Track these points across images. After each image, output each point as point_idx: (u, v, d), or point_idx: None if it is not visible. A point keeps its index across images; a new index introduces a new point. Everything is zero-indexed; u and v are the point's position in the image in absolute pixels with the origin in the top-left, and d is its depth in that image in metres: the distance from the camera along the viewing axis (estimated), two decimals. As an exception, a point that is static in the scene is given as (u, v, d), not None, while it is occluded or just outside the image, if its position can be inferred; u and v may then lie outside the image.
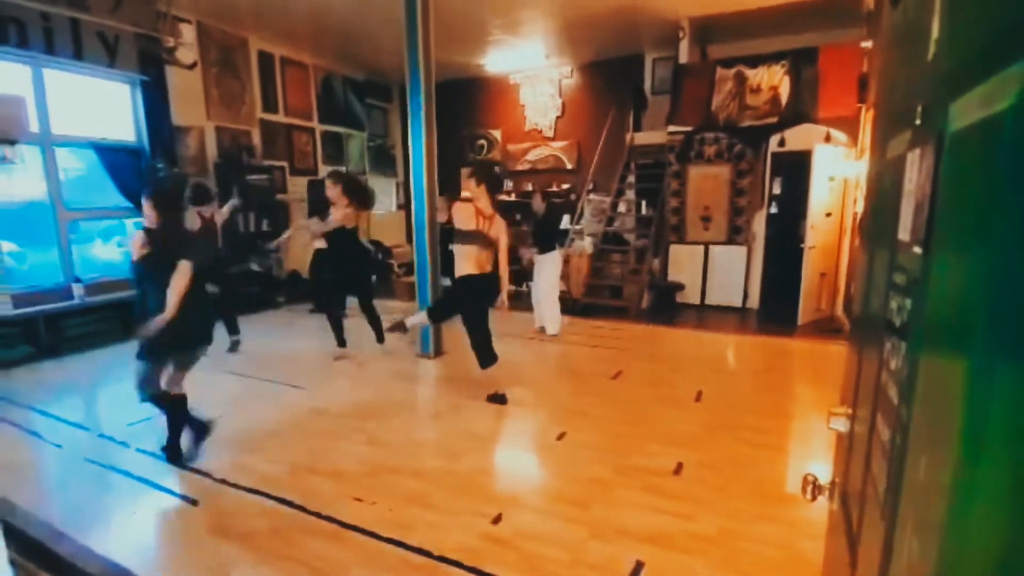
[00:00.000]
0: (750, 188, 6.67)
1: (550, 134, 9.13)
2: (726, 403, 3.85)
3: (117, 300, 5.67)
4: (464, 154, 9.78)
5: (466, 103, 9.46)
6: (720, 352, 5.36)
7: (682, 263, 7.15)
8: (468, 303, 3.78)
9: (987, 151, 0.42)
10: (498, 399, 3.83)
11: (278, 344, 5.34)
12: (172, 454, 3.02)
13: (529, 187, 9.32)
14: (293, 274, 7.66)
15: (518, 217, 8.15)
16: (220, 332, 5.40)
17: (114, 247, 7.35)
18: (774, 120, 6.36)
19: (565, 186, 8.98)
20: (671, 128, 6.95)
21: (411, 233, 5.18)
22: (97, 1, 5.30)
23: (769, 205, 6.72)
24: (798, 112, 6.21)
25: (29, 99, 5.15)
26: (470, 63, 8.50)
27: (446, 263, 4.51)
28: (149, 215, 2.83)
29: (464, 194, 3.91)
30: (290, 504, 2.59)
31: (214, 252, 5.13)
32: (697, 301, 7.10)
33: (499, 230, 3.69)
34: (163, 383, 3.00)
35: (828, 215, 6.06)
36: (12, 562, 0.58)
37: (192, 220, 4.99)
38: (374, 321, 4.89)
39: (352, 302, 4.92)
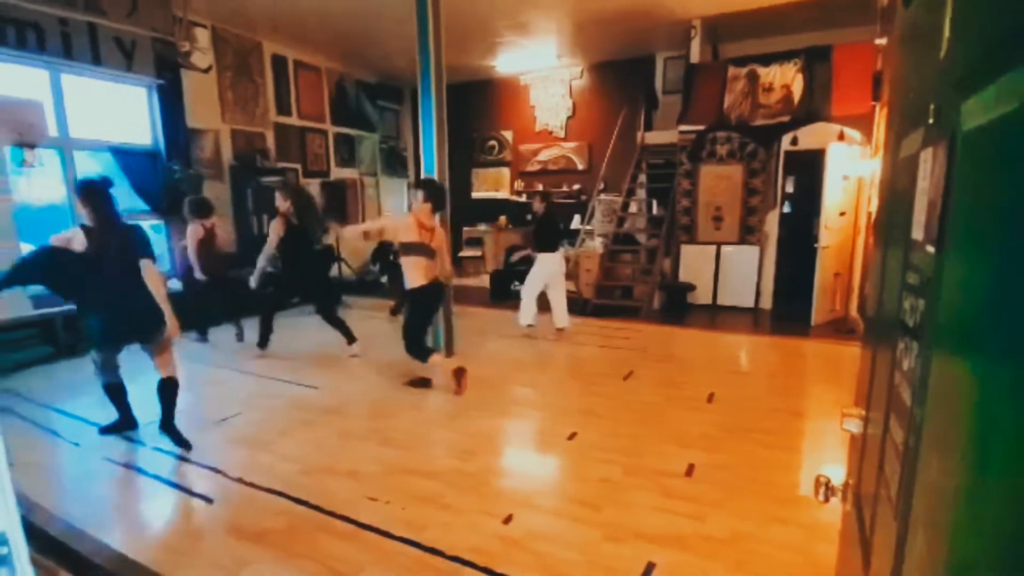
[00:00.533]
0: (763, 187, 6.61)
1: (561, 135, 9.13)
2: (738, 404, 3.83)
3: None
4: (475, 155, 9.82)
5: (477, 104, 9.50)
6: (732, 353, 5.32)
7: (693, 263, 7.11)
8: (427, 311, 4.22)
9: (1000, 149, 0.42)
10: (422, 383, 4.18)
11: (291, 345, 5.39)
12: (166, 427, 3.23)
13: (540, 187, 9.34)
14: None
15: (528, 218, 8.16)
16: (223, 332, 5.51)
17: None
18: (787, 119, 6.30)
19: (576, 186, 8.98)
20: (682, 127, 6.91)
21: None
22: (114, 6, 5.40)
23: (782, 204, 6.66)
24: (811, 111, 6.15)
25: (48, 103, 5.25)
26: (481, 65, 8.52)
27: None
28: (81, 212, 2.97)
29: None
30: (305, 503, 2.61)
31: (216, 262, 5.26)
32: (709, 301, 7.05)
33: (440, 240, 4.09)
34: (155, 368, 3.23)
35: (842, 214, 5.99)
36: (32, 560, 0.60)
37: (195, 232, 5.09)
38: (338, 326, 5.00)
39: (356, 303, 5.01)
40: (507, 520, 2.46)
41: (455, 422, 3.64)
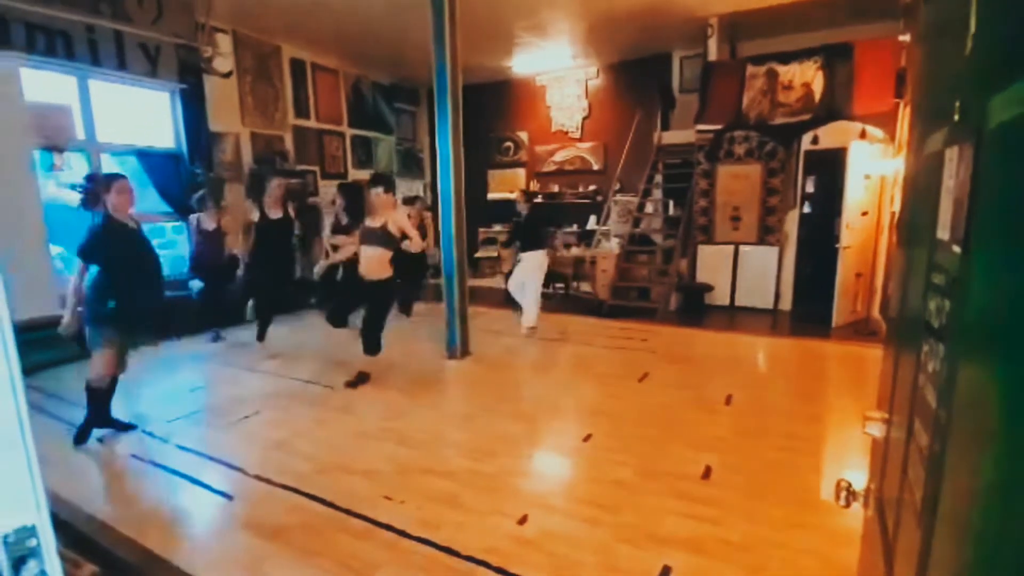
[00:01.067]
0: (782, 187, 6.52)
1: (577, 135, 9.11)
2: (757, 407, 3.78)
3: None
4: (491, 156, 9.84)
5: (493, 106, 9.51)
6: (751, 355, 5.26)
7: (711, 264, 7.03)
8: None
9: (1029, 147, 0.41)
10: (362, 379, 4.25)
11: (309, 344, 5.46)
12: (81, 435, 3.28)
13: (556, 188, 9.32)
14: (325, 276, 7.81)
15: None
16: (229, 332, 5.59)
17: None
18: (807, 117, 6.21)
19: (592, 187, 8.94)
20: (700, 127, 6.84)
21: (439, 234, 5.23)
22: (140, 13, 5.52)
23: (802, 204, 6.55)
24: (832, 109, 6.04)
25: (75, 108, 5.40)
26: (497, 66, 8.54)
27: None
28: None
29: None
30: (321, 501, 2.64)
31: (221, 258, 5.38)
32: (727, 302, 6.97)
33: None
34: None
35: (864, 214, 5.87)
36: (58, 552, 0.62)
37: (202, 220, 5.26)
38: (265, 323, 5.26)
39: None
40: (522, 521, 2.46)
41: (470, 422, 3.65)
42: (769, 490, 2.67)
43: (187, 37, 6.02)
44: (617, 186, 8.21)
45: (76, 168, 5.53)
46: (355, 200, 5.16)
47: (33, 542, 0.62)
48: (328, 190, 8.30)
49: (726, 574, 2.09)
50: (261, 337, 5.29)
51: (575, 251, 8.24)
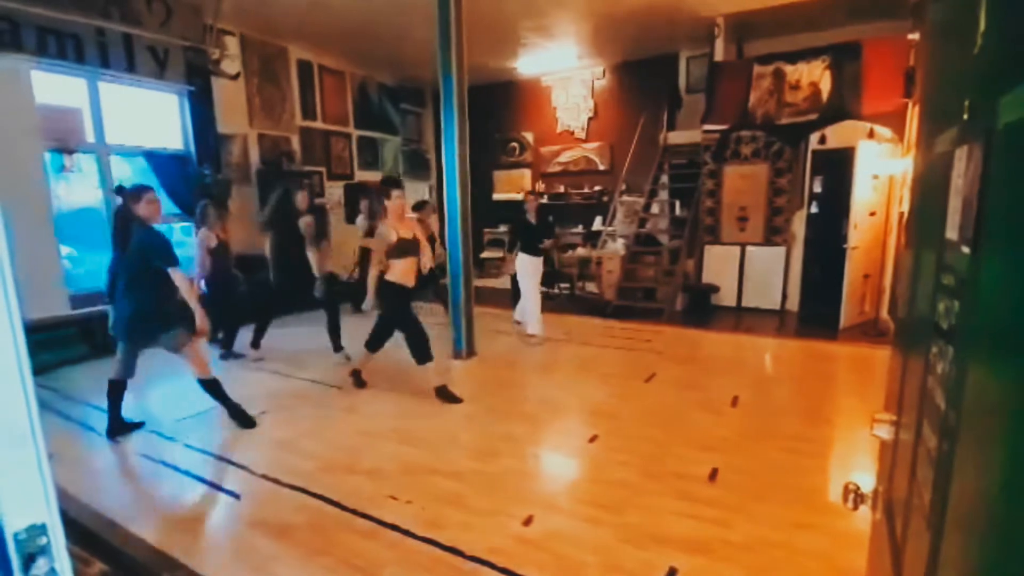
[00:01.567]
0: (789, 187, 6.48)
1: (582, 136, 9.10)
2: (764, 408, 3.76)
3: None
4: (497, 157, 9.84)
5: (498, 106, 9.52)
6: (757, 356, 5.23)
7: (717, 264, 7.00)
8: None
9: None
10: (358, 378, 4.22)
11: (315, 344, 5.48)
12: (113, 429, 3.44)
13: (561, 189, 9.31)
14: (330, 276, 7.84)
15: (551, 219, 8.13)
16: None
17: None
18: (814, 117, 6.17)
19: (597, 188, 8.92)
20: (706, 127, 6.82)
21: (444, 235, 5.25)
22: (149, 16, 5.57)
23: (809, 204, 6.51)
24: (840, 108, 6.00)
25: (85, 110, 5.46)
26: (502, 67, 8.55)
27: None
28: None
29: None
30: (327, 500, 2.65)
31: (229, 270, 5.35)
32: (733, 303, 6.94)
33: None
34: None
35: (872, 214, 5.83)
36: (68, 550, 0.63)
37: (206, 239, 5.04)
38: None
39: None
40: (527, 521, 2.46)
41: (475, 423, 3.65)
42: (775, 492, 2.65)
43: (195, 39, 6.06)
44: (623, 186, 8.19)
45: (85, 169, 5.58)
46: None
47: (43, 540, 0.63)
48: (334, 190, 8.35)
49: (732, 576, 2.08)
50: (256, 344, 5.13)
51: (580, 252, 8.23)
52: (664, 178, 7.98)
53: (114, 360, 3.40)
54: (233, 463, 3.08)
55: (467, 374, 4.73)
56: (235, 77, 6.75)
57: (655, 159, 7.81)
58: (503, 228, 9.64)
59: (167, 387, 4.46)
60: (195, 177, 6.29)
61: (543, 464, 3.21)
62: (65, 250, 5.62)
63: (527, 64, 8.48)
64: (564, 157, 9.30)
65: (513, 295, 6.37)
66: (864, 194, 5.67)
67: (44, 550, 0.63)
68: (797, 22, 6.57)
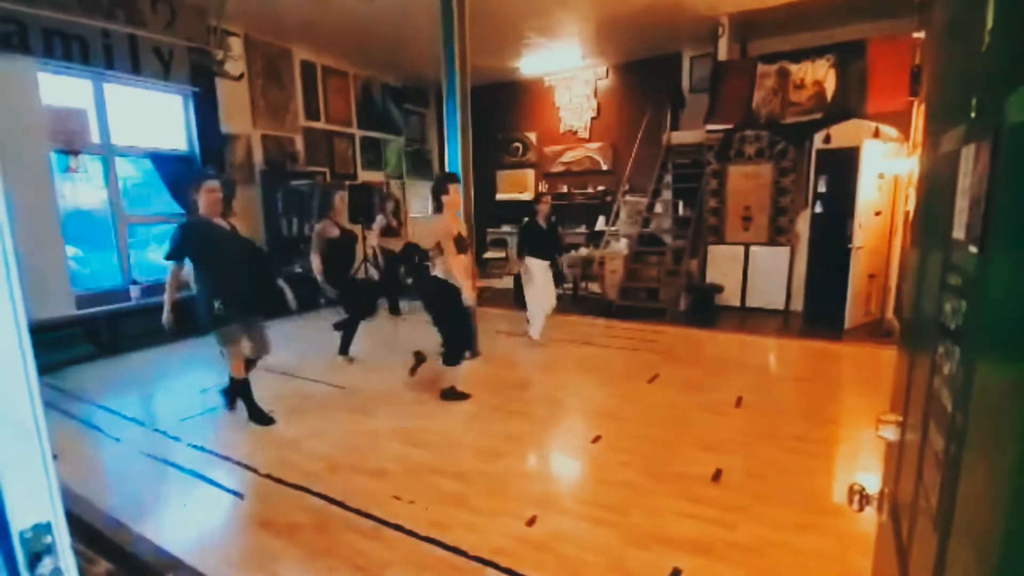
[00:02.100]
0: (793, 187, 6.46)
1: (585, 135, 9.09)
2: (768, 409, 3.74)
3: (170, 302, 5.98)
4: (500, 157, 9.85)
5: (502, 106, 9.52)
6: (762, 356, 5.21)
7: (721, 264, 6.98)
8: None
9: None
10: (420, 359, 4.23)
11: (320, 345, 5.49)
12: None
13: (564, 189, 9.31)
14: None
15: (553, 219, 8.11)
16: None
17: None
18: (819, 116, 6.15)
19: (600, 187, 8.92)
20: (710, 127, 6.80)
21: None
22: (153, 18, 5.60)
23: (814, 204, 6.49)
24: (845, 107, 5.97)
25: (91, 112, 5.48)
26: (505, 67, 8.55)
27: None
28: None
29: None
30: (331, 500, 2.66)
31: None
32: (737, 303, 6.92)
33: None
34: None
35: (877, 214, 5.81)
36: (73, 549, 0.63)
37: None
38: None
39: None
40: (531, 522, 2.45)
41: (480, 423, 3.65)
42: (780, 493, 2.64)
43: (199, 41, 6.09)
44: (626, 186, 8.18)
45: (91, 170, 5.61)
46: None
47: (48, 539, 0.63)
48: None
49: (737, 577, 2.07)
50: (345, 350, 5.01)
51: (584, 252, 8.22)
52: (667, 178, 7.97)
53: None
54: (237, 463, 3.08)
55: (470, 374, 4.72)
56: (239, 78, 6.77)
57: (658, 159, 7.80)
58: (506, 228, 9.64)
59: (172, 387, 4.49)
60: (199, 178, 6.31)
61: (546, 464, 3.20)
62: (71, 250, 5.65)
63: (530, 64, 8.48)
64: (567, 157, 9.29)
65: (516, 295, 6.36)
66: (869, 194, 5.64)
67: (49, 549, 0.63)
68: (801, 21, 6.55)
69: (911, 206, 5.03)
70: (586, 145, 9.10)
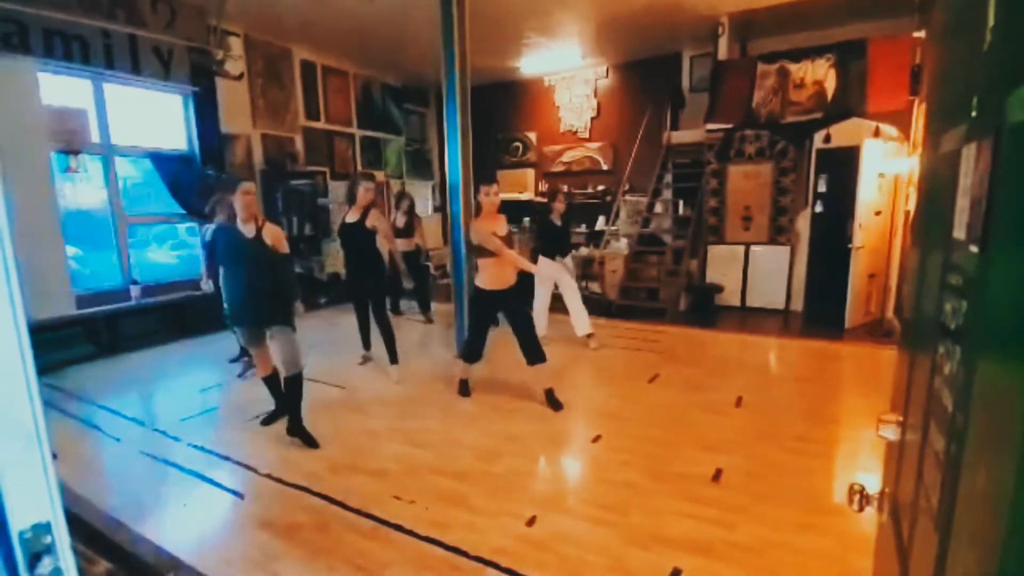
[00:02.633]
0: (793, 186, 6.46)
1: (585, 135, 9.08)
2: (768, 409, 3.74)
3: (171, 301, 5.98)
4: (500, 157, 9.84)
5: (502, 106, 9.52)
6: (762, 356, 5.21)
7: (721, 264, 6.98)
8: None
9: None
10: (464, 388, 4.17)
11: (320, 345, 5.49)
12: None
13: (565, 189, 9.29)
14: (334, 276, 7.87)
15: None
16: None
17: (168, 250, 7.73)
18: (819, 116, 6.14)
19: (600, 187, 8.91)
20: (710, 126, 6.80)
21: (448, 235, 5.24)
22: (153, 18, 5.59)
23: (814, 204, 6.49)
24: (845, 107, 5.97)
25: (91, 111, 5.48)
26: (505, 66, 8.54)
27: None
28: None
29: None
30: (331, 500, 2.66)
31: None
32: (737, 303, 6.92)
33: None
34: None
35: (877, 213, 5.80)
36: (73, 549, 0.63)
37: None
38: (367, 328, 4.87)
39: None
40: (531, 522, 2.45)
41: (480, 423, 3.65)
42: (780, 493, 2.64)
43: (199, 41, 6.09)
44: (626, 186, 8.18)
45: (91, 170, 5.61)
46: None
47: (48, 539, 0.63)
48: (339, 190, 8.36)
49: (737, 577, 2.07)
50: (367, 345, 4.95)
51: (584, 251, 8.22)
52: (668, 177, 7.96)
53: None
54: (237, 463, 3.08)
55: (472, 374, 4.72)
56: (239, 78, 6.77)
57: (658, 158, 7.80)
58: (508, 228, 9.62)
59: (172, 386, 4.49)
60: (199, 178, 6.31)
61: (547, 464, 3.20)
62: (71, 250, 5.65)
63: (530, 64, 8.47)
64: (567, 157, 9.29)
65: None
66: (869, 193, 5.64)
67: (49, 549, 0.63)
68: (801, 21, 6.55)
69: (911, 206, 5.03)
70: (586, 145, 9.10)
